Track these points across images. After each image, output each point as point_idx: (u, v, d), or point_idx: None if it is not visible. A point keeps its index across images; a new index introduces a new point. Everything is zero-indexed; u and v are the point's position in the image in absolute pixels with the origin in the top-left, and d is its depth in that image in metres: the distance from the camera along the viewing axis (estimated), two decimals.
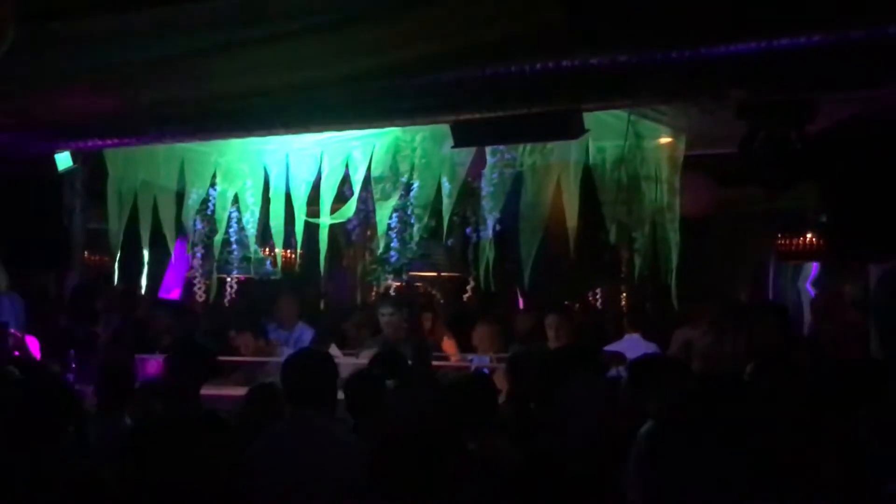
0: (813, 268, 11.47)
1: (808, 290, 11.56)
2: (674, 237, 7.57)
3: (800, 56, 4.27)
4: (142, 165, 8.11)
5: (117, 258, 8.30)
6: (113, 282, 8.56)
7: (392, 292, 8.17)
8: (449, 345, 8.87)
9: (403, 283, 8.29)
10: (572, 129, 5.36)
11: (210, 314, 9.25)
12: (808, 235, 10.15)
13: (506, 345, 8.16)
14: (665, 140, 7.46)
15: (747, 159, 5.69)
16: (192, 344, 6.56)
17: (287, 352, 8.71)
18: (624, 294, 9.96)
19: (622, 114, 6.69)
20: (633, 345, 7.96)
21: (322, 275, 8.25)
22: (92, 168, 8.32)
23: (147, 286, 8.90)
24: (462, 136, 5.85)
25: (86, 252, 9.25)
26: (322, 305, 10.04)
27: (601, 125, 6.68)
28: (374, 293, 8.28)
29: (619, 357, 6.63)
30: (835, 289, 9.30)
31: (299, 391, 4.37)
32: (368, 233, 8.30)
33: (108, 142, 6.84)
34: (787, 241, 10.51)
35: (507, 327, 8.89)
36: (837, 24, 4.14)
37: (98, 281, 8.87)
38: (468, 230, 7.96)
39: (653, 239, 7.69)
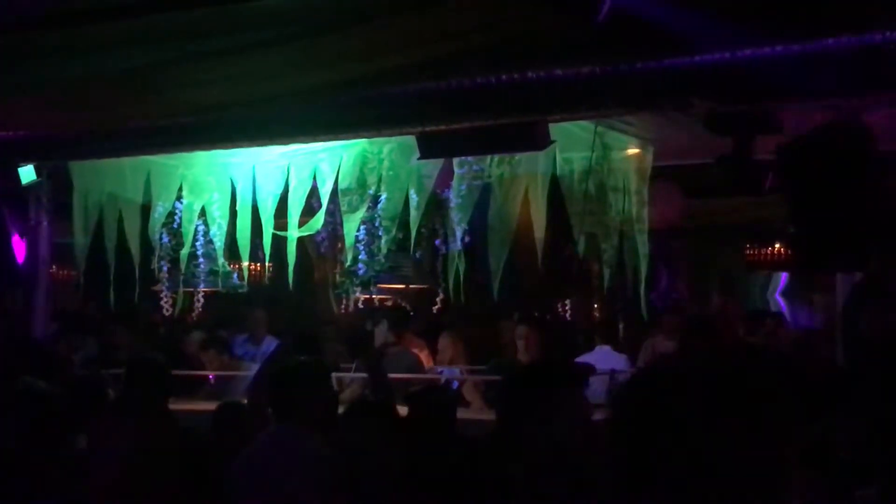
0: (782, 278, 11.54)
1: (778, 300, 11.63)
2: (642, 248, 7.57)
3: (763, 67, 4.28)
4: (108, 178, 8.02)
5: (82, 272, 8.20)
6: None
7: (360, 305, 8.12)
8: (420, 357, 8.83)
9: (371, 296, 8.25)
10: (538, 139, 5.35)
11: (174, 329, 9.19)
12: (777, 246, 10.19)
13: (470, 356, 8.15)
14: (633, 151, 7.44)
15: (734, 171, 5.64)
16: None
17: (255, 367, 8.67)
18: (595, 306, 9.98)
19: (589, 125, 6.68)
20: (603, 356, 7.97)
21: (290, 288, 8.17)
22: (56, 181, 8.23)
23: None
24: (428, 148, 5.83)
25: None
26: (291, 319, 9.98)
27: (568, 136, 6.67)
28: (343, 306, 8.22)
29: (589, 368, 6.61)
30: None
31: (278, 404, 4.31)
32: (337, 245, 8.24)
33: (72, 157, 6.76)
34: (756, 252, 10.56)
35: (475, 338, 8.88)
36: (800, 35, 4.15)
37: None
38: (437, 242, 7.93)
39: (621, 250, 7.69)
